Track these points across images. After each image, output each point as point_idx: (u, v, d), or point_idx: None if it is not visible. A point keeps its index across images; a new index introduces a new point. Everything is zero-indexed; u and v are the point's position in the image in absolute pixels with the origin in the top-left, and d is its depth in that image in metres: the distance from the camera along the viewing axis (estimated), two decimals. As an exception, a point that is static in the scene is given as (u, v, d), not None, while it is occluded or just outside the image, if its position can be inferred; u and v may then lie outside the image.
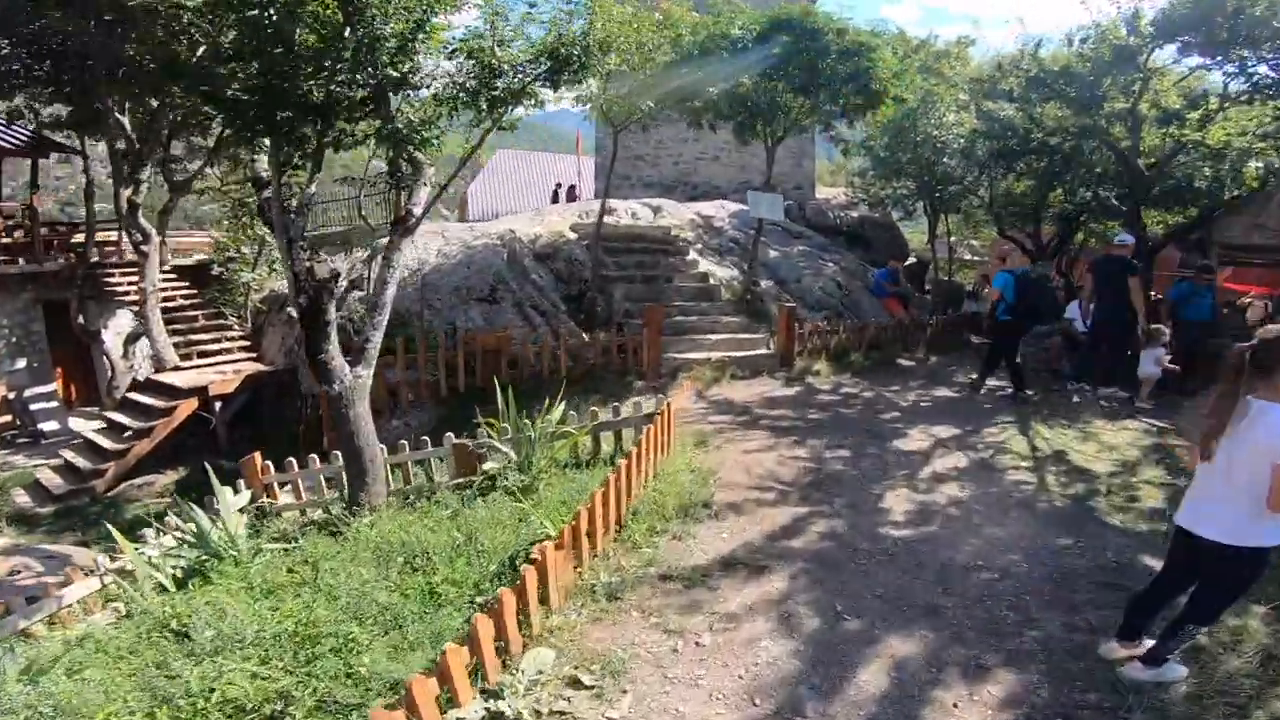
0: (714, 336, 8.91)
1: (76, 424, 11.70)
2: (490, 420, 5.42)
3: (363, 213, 11.49)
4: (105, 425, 10.08)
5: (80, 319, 11.82)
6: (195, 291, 12.52)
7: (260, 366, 10.81)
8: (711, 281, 10.32)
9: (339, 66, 4.27)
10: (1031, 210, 14.19)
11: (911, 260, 16.47)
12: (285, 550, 4.81)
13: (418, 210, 5.12)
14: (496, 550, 4.09)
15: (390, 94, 4.51)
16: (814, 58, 9.09)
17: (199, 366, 10.60)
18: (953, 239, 17.46)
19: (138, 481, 9.59)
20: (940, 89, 12.64)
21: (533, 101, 5.35)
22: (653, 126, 20.11)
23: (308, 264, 4.71)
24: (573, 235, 10.68)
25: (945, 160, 12.73)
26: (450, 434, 5.40)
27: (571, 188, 22.62)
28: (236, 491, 5.60)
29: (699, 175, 19.34)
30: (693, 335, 8.90)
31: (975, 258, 17.58)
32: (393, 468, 5.55)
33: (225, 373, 10.16)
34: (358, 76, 4.33)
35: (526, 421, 5.19)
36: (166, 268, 13.07)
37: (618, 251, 10.40)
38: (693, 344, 8.71)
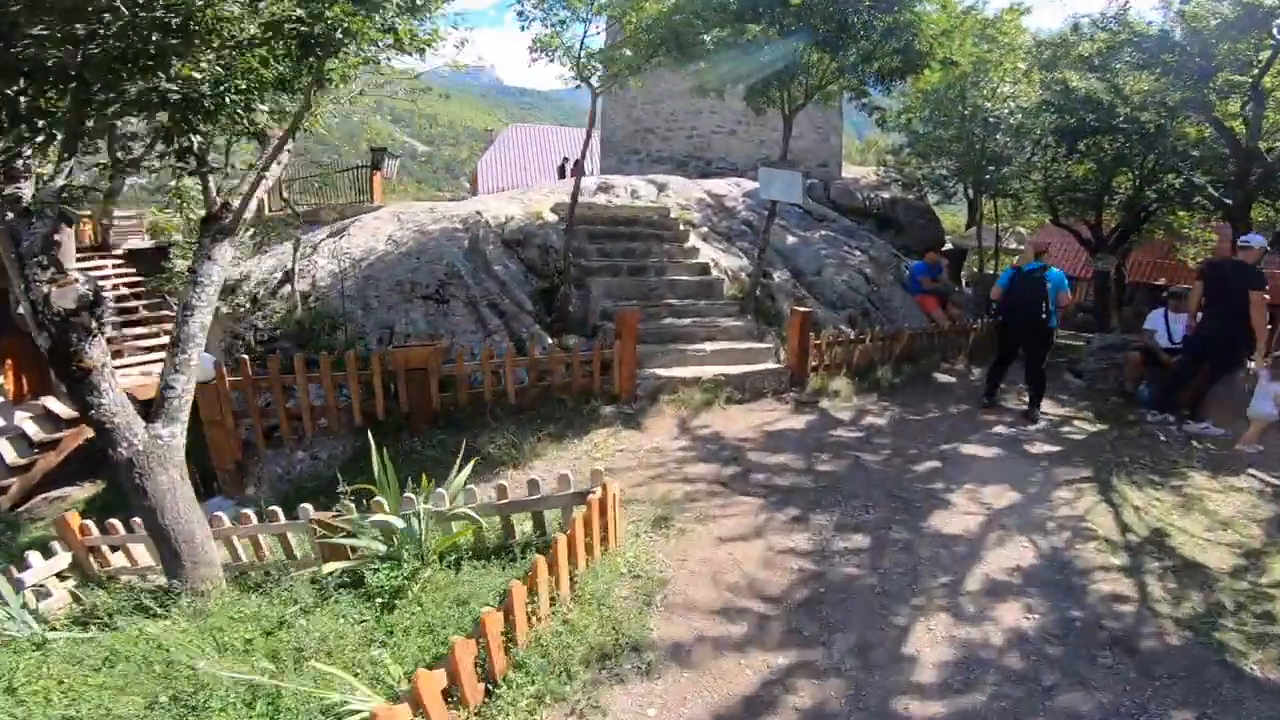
0: (710, 346, 7.22)
1: (20, 418, 10.59)
2: (368, 488, 3.90)
3: (284, 195, 9.93)
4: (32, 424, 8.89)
5: (19, 308, 10.61)
6: (141, 280, 11.22)
7: (204, 363, 9.48)
8: (714, 273, 8.60)
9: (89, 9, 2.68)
10: (1094, 196, 12.09)
11: (947, 248, 14.44)
12: (80, 638, 3.43)
13: (238, 202, 3.58)
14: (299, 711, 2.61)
15: (176, 43, 2.89)
16: (843, 6, 7.23)
17: (128, 365, 9.31)
18: (998, 225, 15.36)
19: (51, 495, 8.39)
20: (995, 56, 10.56)
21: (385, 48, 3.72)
22: (664, 97, 18.32)
23: (45, 289, 3.17)
24: (553, 217, 9.04)
25: (997, 137, 10.70)
26: (308, 505, 3.89)
27: (578, 162, 20.94)
28: (48, 555, 4.23)
29: (713, 150, 17.42)
30: (684, 344, 7.24)
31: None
32: (241, 538, 4.09)
33: (152, 373, 8.86)
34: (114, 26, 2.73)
35: (412, 496, 3.65)
36: (119, 251, 11.80)
37: (603, 237, 8.74)
38: (682, 356, 7.05)
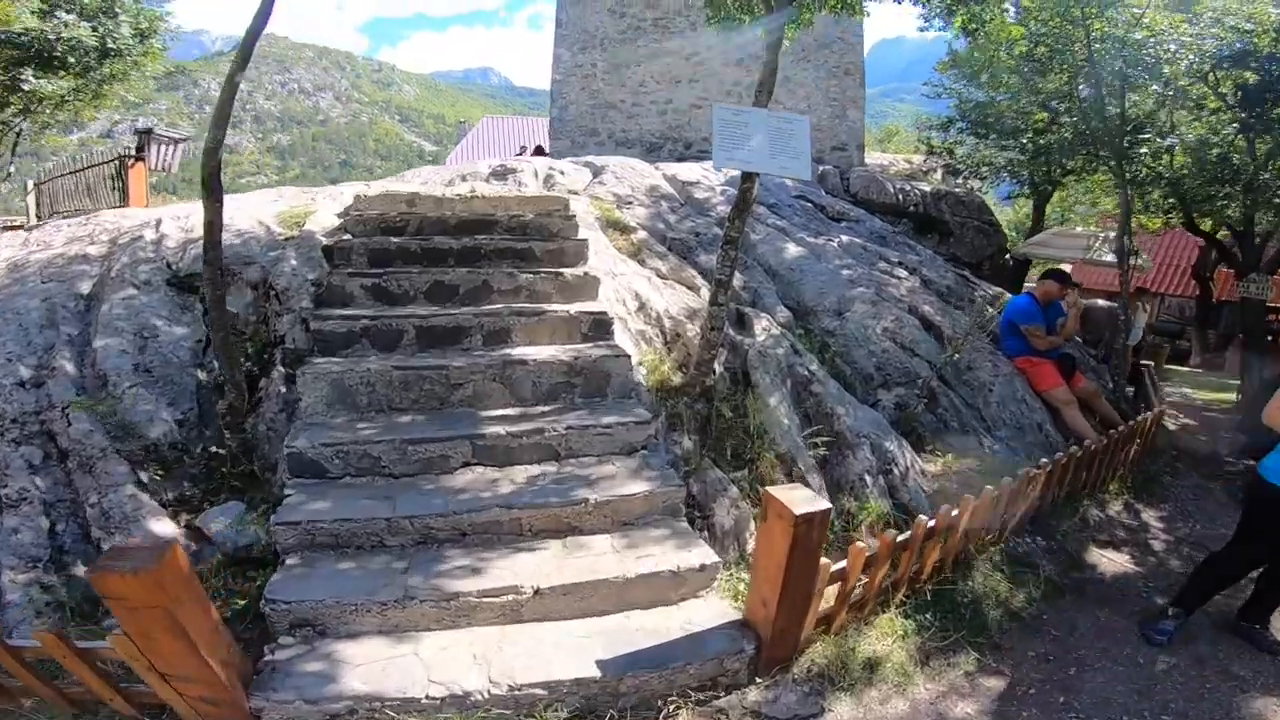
0: (549, 562, 2.68)
1: None
2: None
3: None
4: None
5: None
6: None
7: None
8: (617, 335, 3.92)
9: None
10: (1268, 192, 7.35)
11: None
12: None
13: None
14: None
15: None
16: None
17: None
18: (1084, 229, 10.62)
19: None
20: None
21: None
22: (630, 62, 13.72)
23: None
24: (331, 222, 4.49)
25: (1152, 87, 5.94)
26: None
27: (539, 148, 16.53)
28: None
29: (693, 129, 12.78)
30: (485, 552, 2.69)
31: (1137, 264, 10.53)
32: None
33: None
34: None
35: None
36: None
37: (415, 259, 4.14)
38: (457, 605, 2.49)
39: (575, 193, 6.72)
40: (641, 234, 5.56)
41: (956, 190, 11.03)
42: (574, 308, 3.78)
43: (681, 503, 3.10)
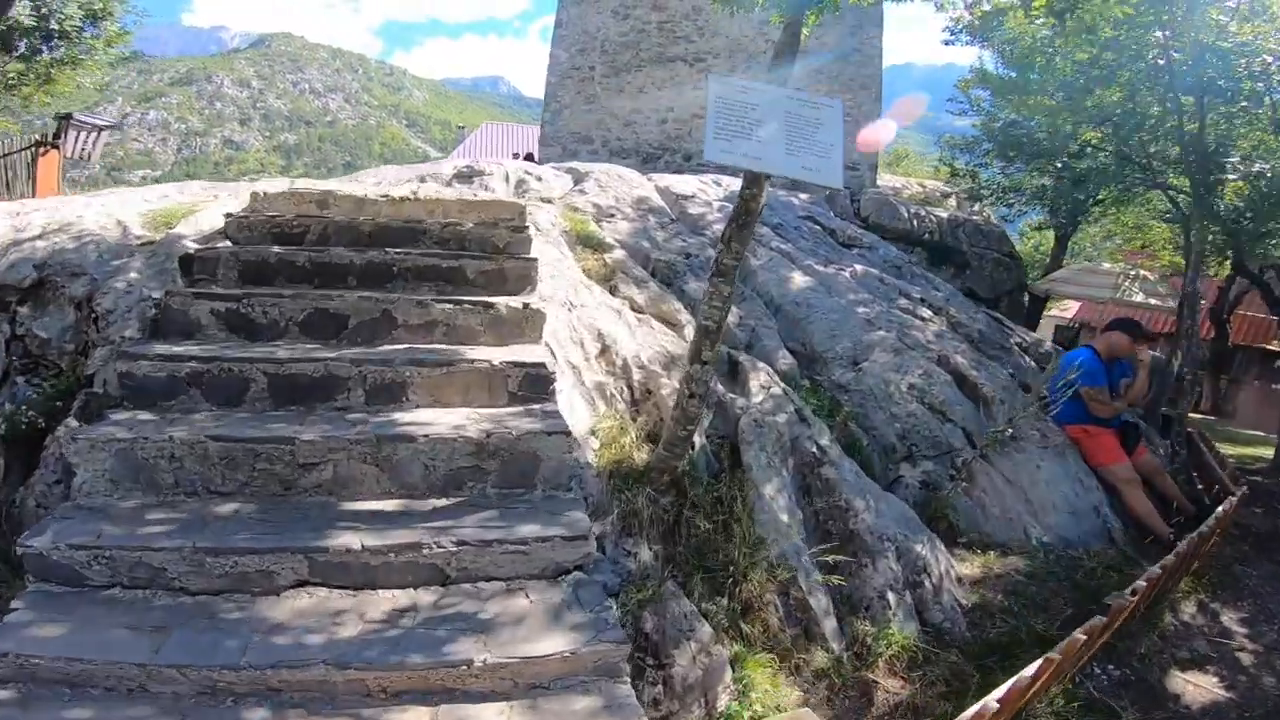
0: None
1: None
2: None
3: None
4: None
5: None
6: None
7: None
8: (561, 396, 2.87)
9: None
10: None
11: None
12: None
13: None
14: None
15: None
16: None
17: None
18: (1110, 265, 9.62)
19: None
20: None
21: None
22: (630, 67, 12.76)
23: None
24: (216, 224, 3.46)
25: (1241, 99, 4.93)
26: None
27: (529, 155, 15.64)
28: None
29: (694, 140, 11.81)
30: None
31: (1152, 299, 9.51)
32: None
33: None
34: None
35: None
36: None
37: (303, 277, 3.10)
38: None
39: (549, 200, 5.71)
40: (618, 253, 4.52)
41: (975, 218, 10.06)
42: (503, 355, 2.72)
43: (624, 660, 2.05)
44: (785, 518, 2.97)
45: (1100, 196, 7.88)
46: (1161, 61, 4.83)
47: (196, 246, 3.16)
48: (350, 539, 2.07)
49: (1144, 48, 4.68)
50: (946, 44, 9.32)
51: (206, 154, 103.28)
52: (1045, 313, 11.12)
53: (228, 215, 3.30)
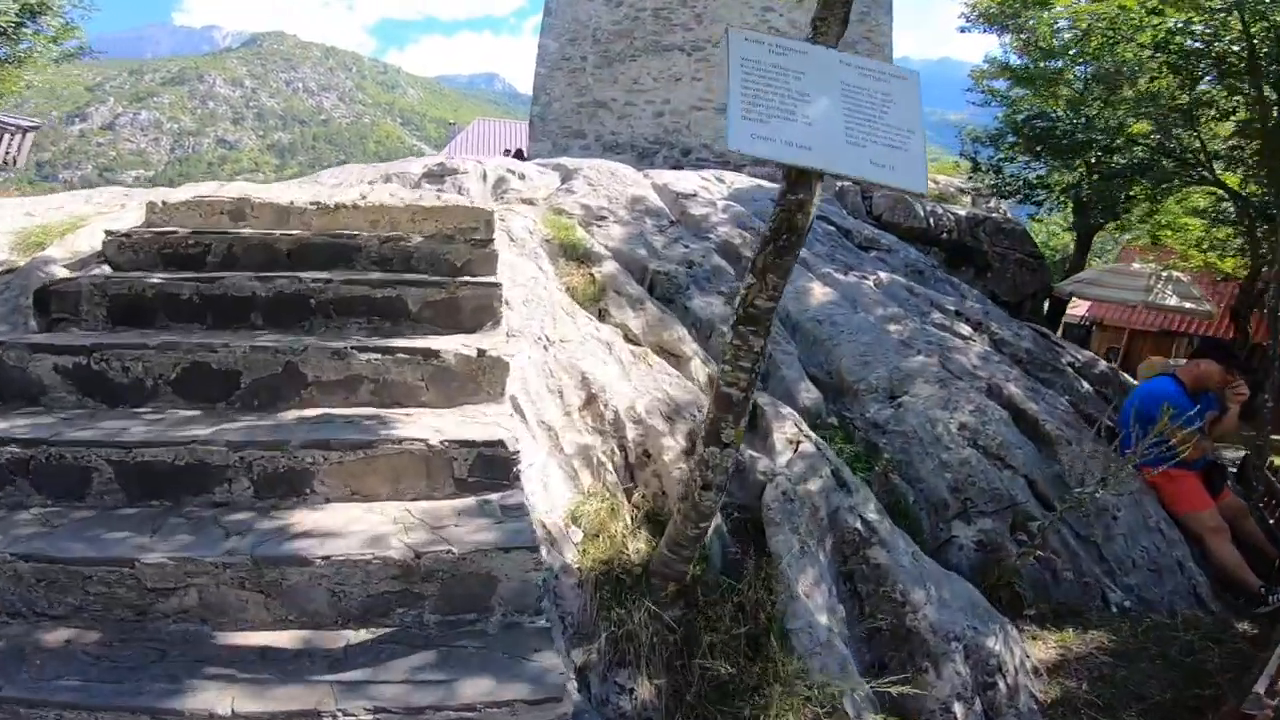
0: None
1: None
2: None
3: None
4: None
5: None
6: None
7: None
8: (520, 491, 2.14)
9: None
10: None
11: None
12: None
13: None
14: None
15: None
16: None
17: None
18: (1140, 266, 8.91)
19: None
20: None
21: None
22: (624, 56, 11.93)
23: None
24: (89, 247, 2.74)
25: None
26: None
27: (519, 152, 14.89)
28: None
29: (693, 133, 11.08)
30: None
31: (1186, 302, 8.78)
32: None
33: None
34: None
35: None
36: None
37: (180, 311, 2.36)
38: None
39: (531, 201, 5.00)
40: (609, 266, 3.80)
41: (995, 216, 9.34)
42: (450, 425, 2.00)
43: None
44: (825, 619, 2.27)
45: (1134, 193, 7.20)
46: (1237, 48, 4.13)
47: (65, 274, 2.44)
48: (216, 698, 1.37)
49: (1221, 30, 3.97)
50: (962, 30, 8.62)
51: (200, 153, 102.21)
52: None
53: (109, 233, 2.57)
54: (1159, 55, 4.25)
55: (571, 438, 2.56)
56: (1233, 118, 4.64)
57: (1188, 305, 8.34)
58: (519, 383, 2.46)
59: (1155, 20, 3.96)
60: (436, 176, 5.35)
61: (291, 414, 2.03)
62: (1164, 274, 8.64)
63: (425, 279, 2.44)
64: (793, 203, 1.50)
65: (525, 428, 2.41)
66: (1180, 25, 3.95)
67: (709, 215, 5.66)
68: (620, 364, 2.85)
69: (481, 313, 2.47)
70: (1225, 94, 4.39)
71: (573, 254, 3.69)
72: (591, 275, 3.51)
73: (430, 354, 2.21)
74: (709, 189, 6.26)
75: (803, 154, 1.41)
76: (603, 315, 3.23)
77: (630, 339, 3.12)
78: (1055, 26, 7.08)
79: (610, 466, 2.59)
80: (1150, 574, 3.51)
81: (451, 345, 2.21)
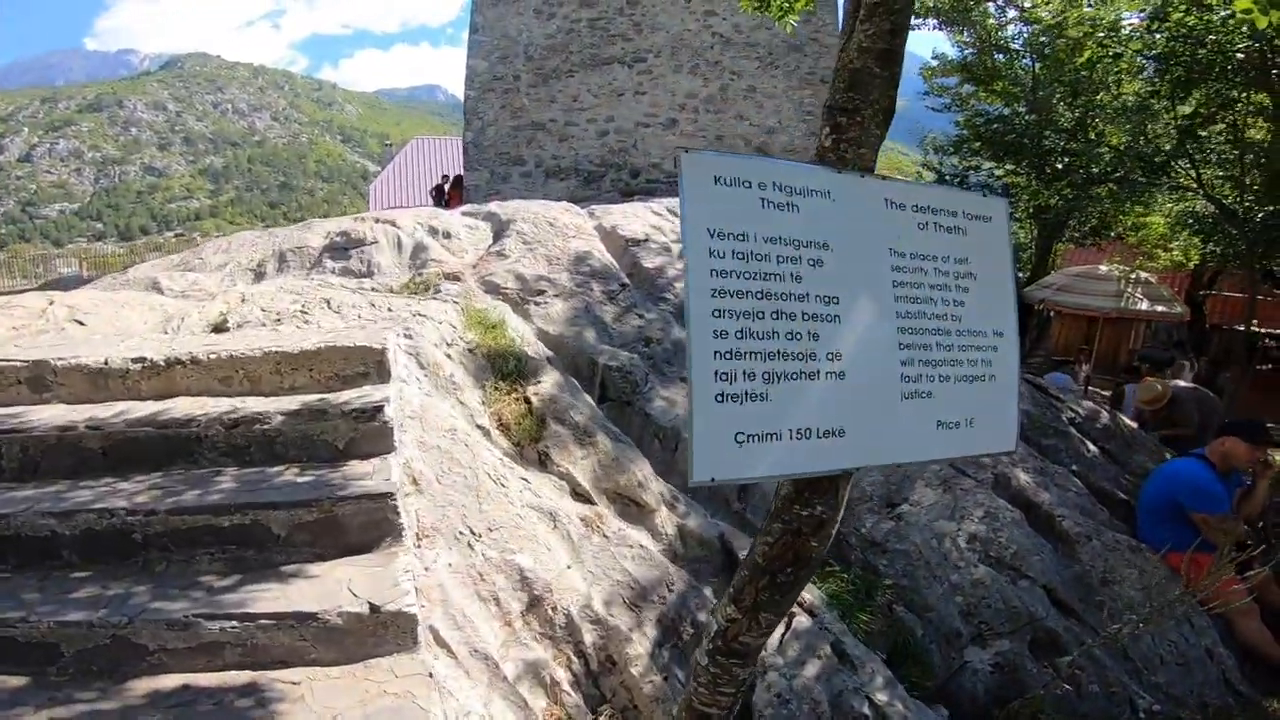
0: None
1: None
2: None
3: None
4: None
5: None
6: None
7: None
8: None
9: None
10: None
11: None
12: None
13: None
14: None
15: None
16: None
17: None
18: (1107, 269, 8.71)
19: None
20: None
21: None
22: (562, 73, 11.26)
23: None
24: None
25: None
26: None
27: (459, 178, 13.94)
28: None
29: (640, 152, 10.51)
30: None
31: (1158, 305, 8.57)
32: None
33: None
34: None
35: None
36: None
37: None
38: None
39: (456, 277, 4.38)
40: (548, 382, 3.19)
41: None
42: (348, 709, 1.41)
43: None
44: None
45: (1102, 196, 6.96)
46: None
47: None
48: None
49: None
50: (912, 28, 8.26)
51: (127, 182, 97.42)
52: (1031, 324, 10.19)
53: None
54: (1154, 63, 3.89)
55: (516, 654, 1.99)
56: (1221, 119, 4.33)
57: (1159, 309, 8.18)
58: (439, 607, 1.88)
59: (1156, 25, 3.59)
60: (340, 250, 4.67)
61: (142, 685, 1.42)
62: (1132, 276, 8.47)
63: (290, 498, 1.83)
64: (803, 520, 0.91)
65: (454, 664, 1.84)
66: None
67: (664, 267, 5.11)
68: (569, 540, 2.28)
69: (373, 528, 1.87)
70: (1222, 100, 4.07)
71: (503, 369, 3.09)
72: (526, 400, 2.92)
73: (305, 618, 1.61)
74: (662, 229, 5.70)
75: (826, 451, 0.76)
76: (544, 461, 2.65)
77: (578, 494, 2.54)
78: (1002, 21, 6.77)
79: (567, 684, 2.03)
80: (1178, 669, 3.15)
81: (333, 599, 1.62)
